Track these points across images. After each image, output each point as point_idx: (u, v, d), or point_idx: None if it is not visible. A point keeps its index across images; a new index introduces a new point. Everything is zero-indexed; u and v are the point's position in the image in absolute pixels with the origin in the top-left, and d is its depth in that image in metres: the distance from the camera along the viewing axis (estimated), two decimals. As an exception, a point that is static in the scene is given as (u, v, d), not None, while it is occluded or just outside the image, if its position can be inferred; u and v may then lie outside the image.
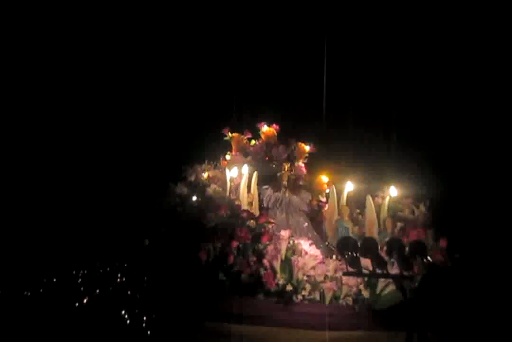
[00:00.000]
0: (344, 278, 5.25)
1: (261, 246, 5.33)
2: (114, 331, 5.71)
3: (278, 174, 6.28)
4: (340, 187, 6.19)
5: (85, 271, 6.27)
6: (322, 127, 7.13)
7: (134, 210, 6.07)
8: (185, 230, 5.36)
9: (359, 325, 5.18)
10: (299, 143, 6.48)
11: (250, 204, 5.94)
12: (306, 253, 5.40)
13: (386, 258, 4.84)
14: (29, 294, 6.16)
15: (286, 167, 6.29)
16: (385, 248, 4.94)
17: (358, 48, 7.44)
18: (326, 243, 5.96)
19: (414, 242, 4.94)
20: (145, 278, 5.74)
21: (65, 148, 7.06)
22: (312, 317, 5.15)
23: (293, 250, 5.39)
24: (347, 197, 6.18)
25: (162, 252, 5.43)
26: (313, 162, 6.51)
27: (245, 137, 6.52)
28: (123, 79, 7.27)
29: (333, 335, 5.11)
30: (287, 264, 5.29)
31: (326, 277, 5.29)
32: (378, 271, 4.73)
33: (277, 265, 5.26)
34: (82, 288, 6.15)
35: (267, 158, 6.41)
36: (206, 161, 6.16)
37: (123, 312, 5.83)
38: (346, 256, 4.81)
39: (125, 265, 6.16)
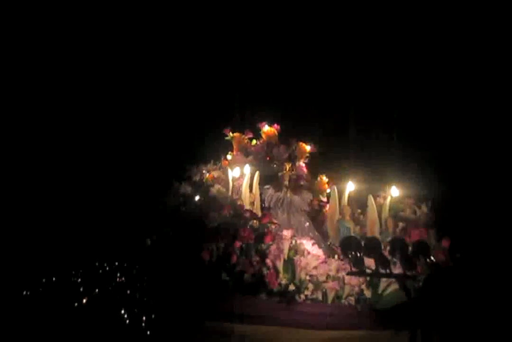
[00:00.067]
0: (347, 278, 5.26)
1: (264, 246, 5.33)
2: (114, 331, 5.71)
3: (279, 174, 6.28)
4: (341, 187, 6.19)
5: (84, 271, 6.26)
6: (323, 127, 7.15)
7: (136, 209, 6.06)
8: (188, 230, 5.35)
9: (361, 324, 5.19)
10: (300, 143, 6.48)
11: (252, 203, 5.94)
12: (308, 252, 5.41)
13: (389, 257, 4.87)
14: (28, 293, 6.14)
15: (287, 167, 6.30)
16: (388, 248, 4.97)
17: (358, 49, 7.46)
18: (328, 243, 5.97)
19: (417, 241, 4.97)
20: (145, 277, 5.74)
21: (71, 147, 7.06)
22: (314, 316, 5.16)
23: (295, 249, 5.40)
24: (349, 196, 6.18)
25: (165, 252, 5.42)
26: (314, 162, 6.52)
27: (246, 137, 6.52)
28: (127, 80, 7.26)
29: (335, 334, 5.14)
30: (289, 263, 5.29)
31: (328, 276, 5.30)
32: (382, 270, 4.76)
33: (279, 264, 5.25)
34: (81, 288, 6.13)
35: (268, 158, 6.41)
36: (212, 162, 6.15)
37: (122, 311, 5.83)
38: (349, 256, 4.84)
39: (125, 265, 6.15)
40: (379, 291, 5.32)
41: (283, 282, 5.22)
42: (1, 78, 6.95)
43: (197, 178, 5.87)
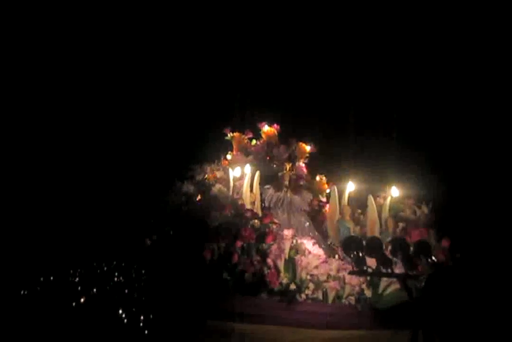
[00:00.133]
0: (347, 278, 5.28)
1: (265, 246, 5.34)
2: (112, 331, 5.70)
3: (280, 174, 6.30)
4: (341, 187, 6.21)
5: (82, 270, 6.24)
6: (323, 127, 7.17)
7: (137, 208, 6.06)
8: (190, 229, 5.36)
9: (362, 324, 5.20)
10: (300, 143, 6.50)
11: (253, 203, 5.95)
12: (309, 252, 5.42)
13: (390, 257, 4.89)
14: (26, 293, 6.12)
15: (288, 167, 6.32)
16: (389, 248, 4.99)
17: (359, 49, 7.48)
18: (329, 243, 5.99)
19: (418, 241, 4.99)
20: (143, 277, 5.74)
21: (75, 146, 7.05)
22: (315, 316, 5.17)
23: (296, 249, 5.41)
24: (349, 197, 6.20)
25: (166, 251, 5.42)
26: (314, 162, 6.54)
27: (246, 137, 6.53)
28: (130, 81, 7.26)
29: (336, 334, 5.15)
30: (290, 263, 5.31)
31: (329, 276, 5.31)
32: (384, 270, 4.78)
33: (280, 264, 5.27)
34: (79, 287, 6.12)
35: (268, 158, 6.42)
36: (216, 161, 6.17)
37: (120, 311, 5.82)
38: (351, 256, 4.86)
39: (123, 264, 6.14)
40: (379, 291, 5.33)
41: (284, 281, 5.23)
42: (1, 78, 6.93)
43: (200, 177, 5.87)
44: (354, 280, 5.29)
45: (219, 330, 5.12)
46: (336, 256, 5.69)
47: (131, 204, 6.36)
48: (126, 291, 5.90)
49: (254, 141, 6.54)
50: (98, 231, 6.57)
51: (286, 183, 6.27)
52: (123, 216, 6.37)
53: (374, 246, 4.88)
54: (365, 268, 4.86)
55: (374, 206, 5.97)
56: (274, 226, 5.58)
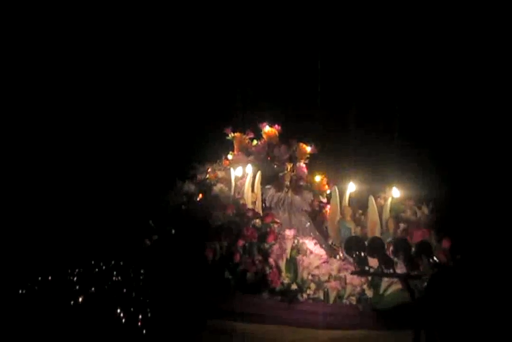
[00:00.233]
0: (348, 278, 5.30)
1: (266, 245, 5.35)
2: (110, 330, 5.69)
3: (280, 174, 6.32)
4: (342, 188, 6.22)
5: (81, 269, 6.23)
6: (324, 128, 7.19)
7: (137, 208, 6.06)
8: (192, 228, 5.36)
9: (363, 324, 5.21)
10: (300, 144, 6.52)
11: (254, 203, 5.97)
12: (311, 252, 5.44)
13: (392, 257, 4.91)
14: (23, 292, 6.10)
15: (288, 168, 6.33)
16: (391, 248, 5.01)
17: (359, 50, 7.50)
18: (331, 243, 6.01)
19: (420, 242, 5.01)
20: (142, 276, 5.73)
21: (76, 146, 7.04)
22: (316, 316, 5.18)
23: (298, 249, 5.43)
24: (349, 197, 6.22)
25: (167, 250, 5.42)
26: (314, 163, 6.55)
27: (247, 137, 6.54)
28: (131, 80, 7.26)
29: (337, 334, 5.16)
30: (292, 263, 5.32)
31: (330, 276, 5.33)
32: (386, 270, 4.79)
33: (282, 264, 5.28)
34: (77, 286, 6.11)
35: (269, 158, 6.44)
36: (218, 161, 6.17)
37: (118, 310, 5.81)
38: (354, 256, 4.87)
39: (121, 264, 6.13)
40: (381, 291, 5.35)
41: (286, 281, 5.24)
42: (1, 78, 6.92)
43: (201, 177, 5.88)
44: (356, 280, 5.30)
45: (220, 330, 5.13)
46: (338, 256, 5.69)
47: (131, 203, 6.35)
48: (125, 290, 5.89)
49: (255, 142, 6.55)
50: (97, 230, 6.55)
51: (287, 183, 6.28)
52: (123, 215, 6.36)
53: (376, 246, 4.89)
54: (367, 268, 4.86)
55: (375, 206, 5.99)
56: (276, 226, 5.59)
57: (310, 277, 5.29)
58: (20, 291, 6.08)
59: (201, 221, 5.38)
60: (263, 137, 6.56)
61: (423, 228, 5.63)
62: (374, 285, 5.36)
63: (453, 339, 4.58)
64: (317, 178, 6.50)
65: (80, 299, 6.05)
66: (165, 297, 5.42)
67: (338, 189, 6.21)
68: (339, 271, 5.38)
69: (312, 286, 5.26)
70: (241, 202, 5.74)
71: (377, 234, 5.82)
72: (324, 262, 5.42)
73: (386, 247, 5.04)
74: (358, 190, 6.26)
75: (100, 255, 6.26)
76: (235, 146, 6.51)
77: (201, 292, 5.22)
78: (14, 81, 7.01)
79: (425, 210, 5.88)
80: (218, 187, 5.75)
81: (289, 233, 5.46)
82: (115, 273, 6.12)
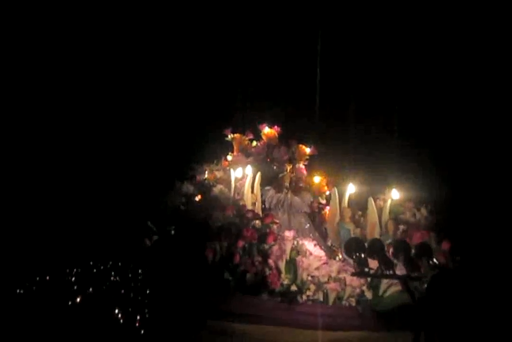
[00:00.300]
0: (348, 279, 5.30)
1: (266, 246, 5.35)
2: (107, 330, 5.67)
3: (280, 175, 6.32)
4: (341, 189, 6.23)
5: (79, 269, 6.21)
6: (323, 129, 7.19)
7: (136, 209, 6.05)
8: (192, 229, 5.36)
9: (362, 325, 5.22)
10: (300, 145, 6.53)
11: (253, 204, 5.97)
12: (310, 253, 5.44)
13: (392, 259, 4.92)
14: (21, 292, 6.08)
15: (288, 169, 6.34)
16: (391, 250, 5.02)
17: (359, 50, 7.51)
18: (330, 244, 6.01)
19: (420, 244, 5.02)
20: (140, 277, 5.72)
21: (75, 146, 7.03)
22: (315, 317, 5.18)
23: (297, 250, 5.43)
24: (349, 199, 6.23)
25: (167, 251, 5.41)
26: (314, 164, 6.56)
27: (247, 138, 6.55)
28: (130, 81, 7.25)
29: (336, 335, 5.16)
30: (291, 264, 5.33)
31: (330, 277, 5.33)
32: (385, 272, 4.80)
33: (282, 265, 5.29)
34: (75, 287, 6.09)
35: (268, 159, 6.44)
36: (215, 162, 6.18)
37: (116, 311, 5.79)
38: (353, 257, 4.88)
39: (119, 264, 6.12)
40: (380, 293, 5.35)
41: (285, 282, 5.24)
42: (1, 78, 6.91)
43: (201, 178, 5.88)
44: (355, 281, 5.31)
45: (219, 330, 5.12)
46: (337, 258, 5.69)
47: (130, 204, 6.34)
48: (123, 291, 5.87)
49: (254, 143, 6.56)
50: (96, 230, 6.54)
51: (287, 184, 6.29)
52: (122, 216, 6.35)
53: (375, 248, 4.90)
54: (366, 269, 4.87)
55: (374, 208, 6.00)
56: (275, 226, 5.59)
57: (309, 278, 5.30)
58: (18, 291, 6.04)
59: (201, 221, 5.37)
60: (262, 139, 6.57)
61: (423, 229, 5.64)
62: (374, 287, 5.36)
63: (453, 340, 4.60)
64: (317, 179, 6.51)
65: (78, 299, 6.02)
66: (165, 297, 5.40)
67: (337, 190, 6.22)
68: (338, 272, 5.39)
69: (312, 287, 5.27)
70: (241, 203, 5.75)
71: (377, 235, 5.84)
72: (323, 263, 5.43)
73: (385, 248, 5.05)
74: (357, 191, 6.27)
75: (99, 255, 6.24)
76: (235, 147, 6.52)
77: (201, 293, 5.21)
78: (14, 81, 6.99)
79: (424, 212, 5.89)
80: (218, 188, 5.76)
81: (288, 234, 5.47)
82: (113, 273, 6.10)
